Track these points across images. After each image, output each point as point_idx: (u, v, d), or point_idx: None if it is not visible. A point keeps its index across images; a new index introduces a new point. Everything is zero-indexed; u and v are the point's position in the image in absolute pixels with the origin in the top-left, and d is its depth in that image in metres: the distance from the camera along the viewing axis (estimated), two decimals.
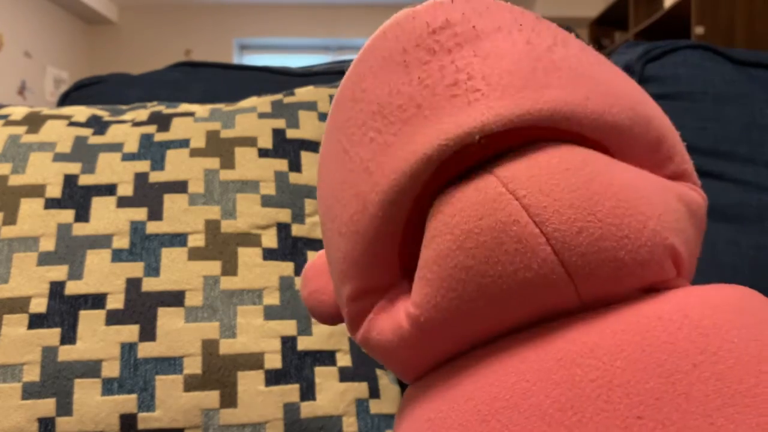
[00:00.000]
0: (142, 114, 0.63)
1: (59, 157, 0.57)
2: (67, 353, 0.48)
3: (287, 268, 0.54)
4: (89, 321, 0.50)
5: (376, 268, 0.27)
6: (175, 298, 0.51)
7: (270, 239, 0.55)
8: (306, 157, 0.60)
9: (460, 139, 0.23)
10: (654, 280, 0.25)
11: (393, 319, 0.26)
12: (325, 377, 0.51)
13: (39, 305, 0.50)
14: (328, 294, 0.33)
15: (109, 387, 0.48)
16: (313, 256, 0.56)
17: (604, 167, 0.24)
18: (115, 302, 0.50)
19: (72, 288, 0.51)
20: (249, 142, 0.59)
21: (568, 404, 0.21)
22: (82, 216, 0.54)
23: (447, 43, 0.25)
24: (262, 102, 0.64)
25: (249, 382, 0.49)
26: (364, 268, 0.27)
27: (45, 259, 0.52)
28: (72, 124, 0.61)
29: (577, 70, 0.25)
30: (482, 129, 0.23)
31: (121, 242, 0.53)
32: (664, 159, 0.27)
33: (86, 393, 0.47)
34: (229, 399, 0.48)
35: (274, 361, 0.50)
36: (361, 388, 0.52)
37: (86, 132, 0.60)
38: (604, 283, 0.23)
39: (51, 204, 0.54)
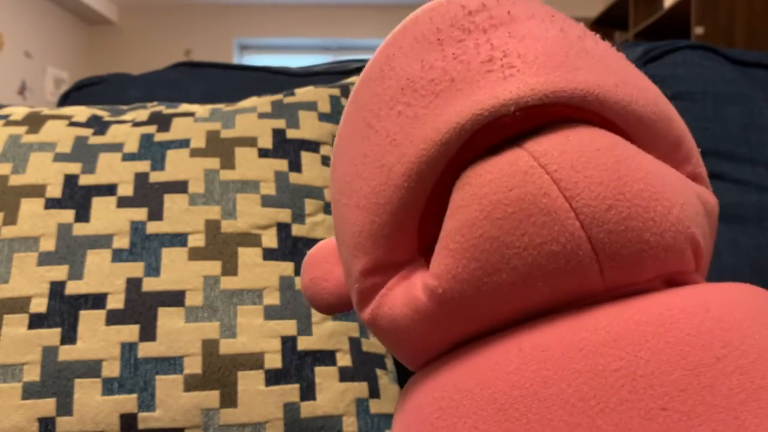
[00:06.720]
0: (142, 114, 0.63)
1: (59, 157, 0.57)
2: (67, 353, 0.48)
3: (287, 268, 0.54)
4: (89, 321, 0.50)
5: (394, 240, 0.26)
6: (175, 298, 0.51)
7: (270, 239, 0.55)
8: (306, 157, 0.60)
9: (495, 110, 0.23)
10: (675, 270, 0.25)
11: (408, 292, 0.26)
12: (325, 377, 0.51)
13: (39, 305, 0.50)
14: (330, 280, 0.32)
15: (110, 387, 0.48)
16: None
17: (633, 152, 0.24)
18: (116, 302, 0.50)
19: (72, 288, 0.51)
20: (249, 142, 0.59)
21: (591, 393, 0.21)
22: (83, 216, 0.54)
23: (482, 24, 0.25)
24: (262, 102, 0.64)
25: (249, 382, 0.49)
26: (382, 241, 0.26)
27: (45, 259, 0.52)
28: (72, 124, 0.61)
29: (606, 60, 0.26)
30: (518, 101, 0.23)
31: (122, 242, 0.53)
32: (683, 159, 0.28)
33: (86, 393, 0.48)
34: (229, 399, 0.48)
35: (274, 360, 0.50)
36: (361, 388, 0.52)
37: (86, 132, 0.60)
38: (628, 264, 0.23)
39: (51, 204, 0.54)
